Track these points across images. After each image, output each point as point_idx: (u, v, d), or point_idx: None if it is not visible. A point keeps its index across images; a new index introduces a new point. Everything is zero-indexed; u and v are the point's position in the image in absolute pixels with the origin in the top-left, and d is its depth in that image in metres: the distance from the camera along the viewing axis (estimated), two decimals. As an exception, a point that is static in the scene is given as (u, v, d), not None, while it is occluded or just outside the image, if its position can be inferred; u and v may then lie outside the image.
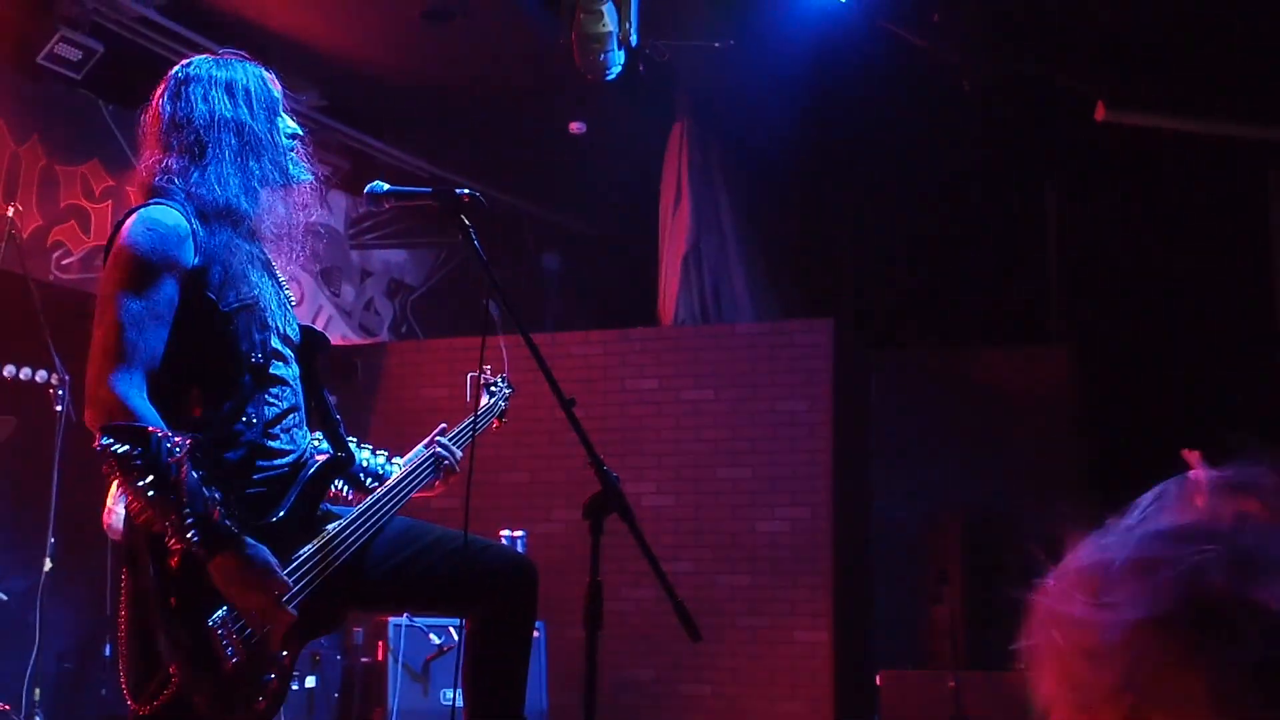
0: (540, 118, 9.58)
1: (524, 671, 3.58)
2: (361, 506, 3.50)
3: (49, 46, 7.39)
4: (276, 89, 3.51)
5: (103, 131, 8.15)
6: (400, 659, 7.29)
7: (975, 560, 8.62)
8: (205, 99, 3.38)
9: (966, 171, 9.79)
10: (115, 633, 7.38)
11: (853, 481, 9.09)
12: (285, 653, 3.24)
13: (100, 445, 3.01)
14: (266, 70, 3.53)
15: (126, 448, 2.98)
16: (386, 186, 3.59)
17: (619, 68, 7.40)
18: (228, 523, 3.06)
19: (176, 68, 3.49)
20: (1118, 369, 9.41)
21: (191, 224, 3.24)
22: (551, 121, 9.57)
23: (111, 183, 8.14)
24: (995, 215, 10.20)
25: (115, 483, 3.04)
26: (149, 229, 3.20)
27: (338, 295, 10.20)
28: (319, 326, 9.69)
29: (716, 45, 8.45)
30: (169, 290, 3.19)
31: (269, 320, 3.36)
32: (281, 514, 3.30)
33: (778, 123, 9.16)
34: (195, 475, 3.02)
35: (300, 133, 3.53)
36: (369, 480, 3.76)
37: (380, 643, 7.37)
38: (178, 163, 3.34)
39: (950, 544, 8.71)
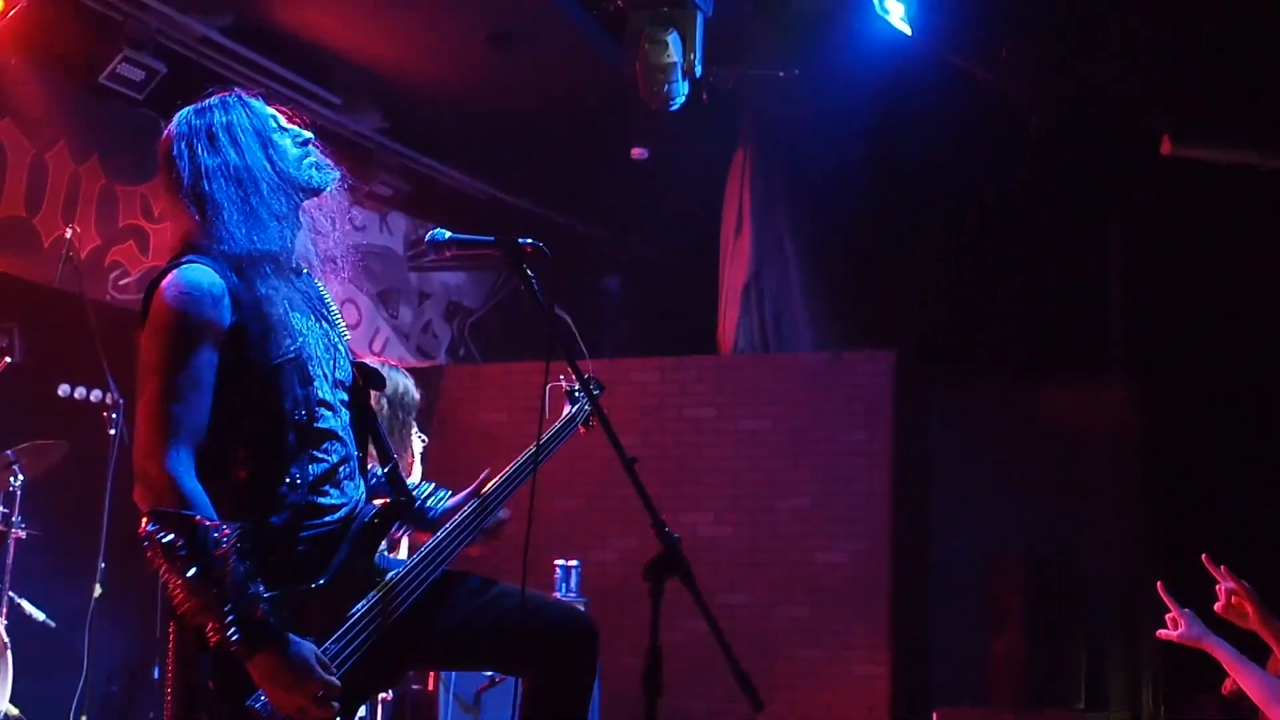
0: (603, 142, 9.53)
1: None
2: (420, 552, 3.40)
3: (111, 66, 7.42)
4: (265, 108, 3.41)
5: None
6: (451, 689, 7.21)
7: (1037, 596, 8.45)
8: (192, 155, 3.27)
9: (1030, 204, 9.64)
10: (163, 655, 7.35)
11: (912, 514, 8.95)
12: (340, 717, 3.15)
13: (145, 531, 2.95)
14: (250, 94, 3.42)
15: (171, 537, 2.91)
16: (448, 234, 3.47)
17: (683, 98, 7.32)
18: (270, 621, 2.96)
19: (172, 123, 3.38)
20: (1182, 403, 9.22)
21: (228, 278, 3.16)
22: (614, 146, 9.52)
23: (171, 203, 8.14)
24: (1059, 247, 10.05)
25: (159, 569, 2.96)
26: (183, 292, 3.10)
27: (395, 317, 10.17)
28: (376, 348, 9.71)
29: (781, 75, 8.37)
30: (208, 355, 3.10)
31: (314, 370, 3.27)
32: (326, 577, 3.20)
33: (841, 152, 9.07)
34: (241, 568, 2.94)
35: (309, 138, 3.42)
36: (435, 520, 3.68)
37: (431, 673, 7.29)
38: (191, 222, 3.26)
39: (1011, 579, 8.54)
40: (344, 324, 3.50)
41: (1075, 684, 8.36)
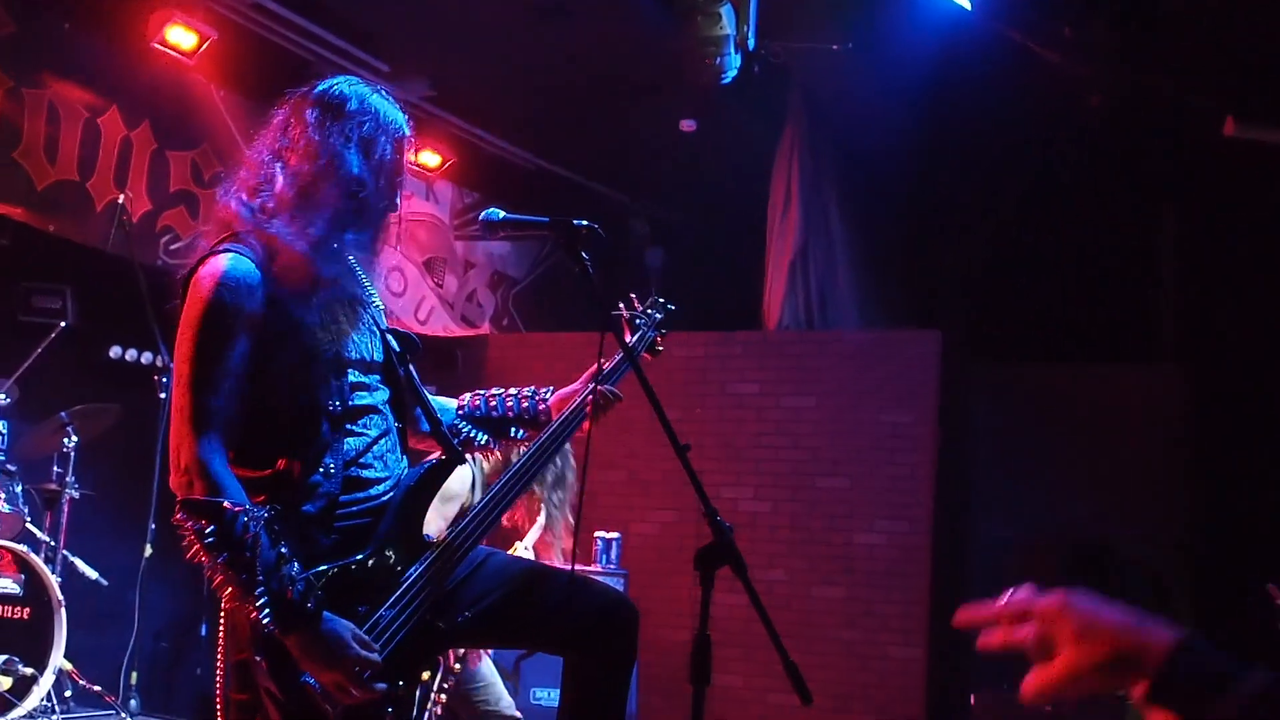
0: (651, 114, 9.49)
1: (622, 712, 3.47)
2: (475, 509, 3.41)
3: (162, 32, 7.44)
4: (406, 159, 3.40)
5: (214, 116, 8.19)
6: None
7: (1076, 582, 8.37)
8: (344, 145, 3.24)
9: (1084, 185, 9.54)
10: (211, 612, 7.45)
11: (953, 497, 8.91)
12: (403, 683, 3.18)
13: (176, 520, 3.04)
14: (410, 128, 3.38)
15: (199, 523, 2.98)
16: (502, 214, 3.44)
17: (734, 72, 7.27)
18: (302, 601, 3.01)
19: (333, 84, 3.34)
20: (1230, 392, 9.11)
21: (263, 269, 3.15)
22: (662, 118, 9.48)
23: (220, 168, 8.18)
24: (1111, 230, 9.94)
25: (195, 554, 3.04)
26: (219, 281, 3.10)
27: (440, 286, 10.18)
28: (420, 317, 9.73)
29: (835, 48, 8.30)
30: (243, 344, 3.11)
31: (349, 354, 3.27)
32: (374, 546, 3.23)
33: (892, 129, 8.99)
34: (272, 551, 2.99)
35: (398, 210, 3.41)
36: (516, 430, 3.70)
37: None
38: (284, 189, 3.22)
39: (1051, 566, 8.48)
40: (379, 299, 3.48)
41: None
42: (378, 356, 3.38)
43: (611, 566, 7.89)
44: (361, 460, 3.26)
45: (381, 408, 3.35)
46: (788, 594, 8.49)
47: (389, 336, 3.43)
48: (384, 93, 3.39)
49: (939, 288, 10.26)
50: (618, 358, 3.70)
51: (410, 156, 3.43)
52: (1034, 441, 9.27)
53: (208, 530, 2.96)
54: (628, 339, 3.81)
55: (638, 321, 3.90)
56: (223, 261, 3.13)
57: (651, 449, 8.67)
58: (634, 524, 8.57)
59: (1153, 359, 9.73)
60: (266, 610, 2.96)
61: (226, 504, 2.98)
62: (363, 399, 3.30)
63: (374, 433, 3.31)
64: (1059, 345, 9.82)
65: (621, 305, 3.85)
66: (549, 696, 7.37)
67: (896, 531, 8.53)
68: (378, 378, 3.37)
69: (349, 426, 3.25)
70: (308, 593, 3.02)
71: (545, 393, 3.73)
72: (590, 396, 3.61)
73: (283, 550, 3.02)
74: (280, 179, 3.23)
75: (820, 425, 8.80)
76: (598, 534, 7.85)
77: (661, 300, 3.99)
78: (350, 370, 3.27)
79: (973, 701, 7.88)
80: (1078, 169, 9.40)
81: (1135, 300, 10.03)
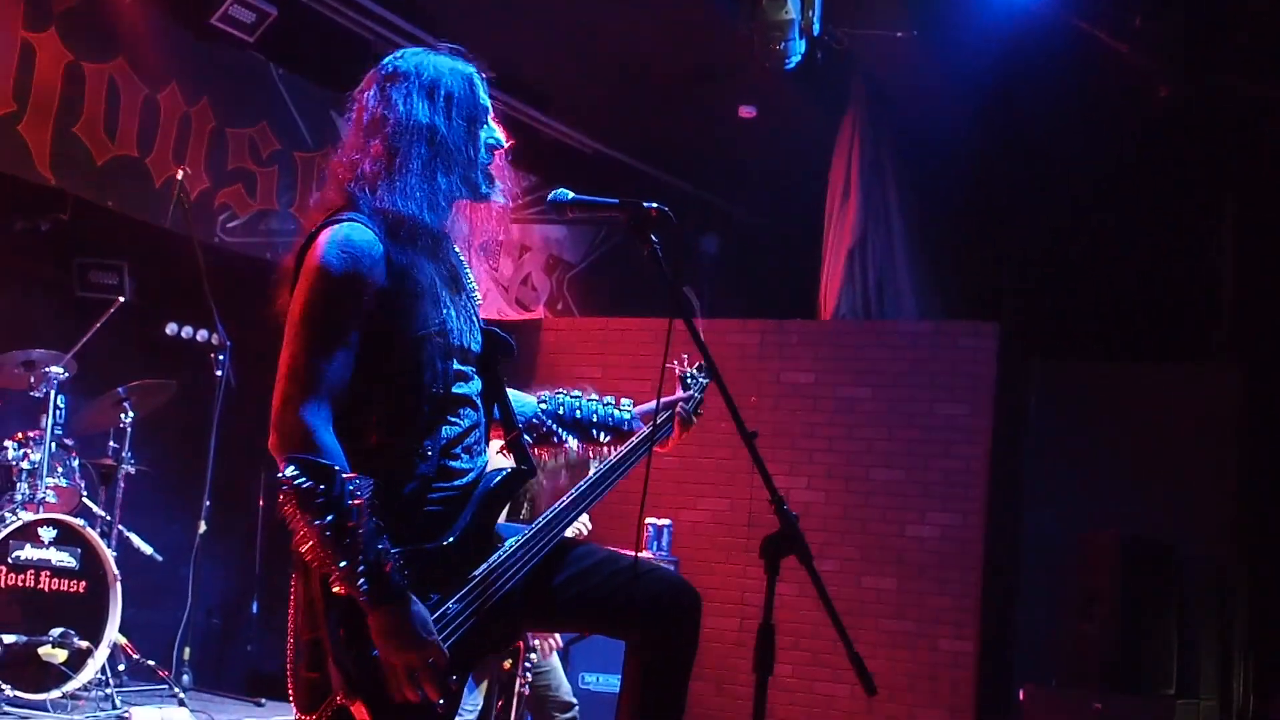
0: (710, 100, 9.44)
1: (683, 700, 3.44)
2: (541, 519, 3.39)
3: (223, 8, 7.47)
4: (484, 95, 3.36)
5: (272, 95, 8.20)
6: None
7: (1128, 581, 8.29)
8: (405, 100, 3.23)
9: (1145, 180, 9.42)
10: (263, 590, 7.49)
11: (1007, 491, 8.83)
12: (455, 677, 3.14)
13: (283, 476, 2.95)
14: (480, 73, 3.38)
15: (310, 483, 2.92)
16: (571, 195, 3.42)
17: (799, 57, 7.21)
18: (397, 576, 2.97)
19: (388, 58, 3.35)
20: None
21: (384, 243, 3.12)
22: (722, 104, 9.42)
23: (278, 146, 8.19)
24: (1170, 227, 9.81)
25: (288, 515, 2.97)
26: (343, 250, 3.07)
27: (496, 269, 10.19)
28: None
29: (899, 35, 8.22)
30: (357, 315, 3.07)
31: (454, 342, 3.24)
32: (454, 537, 3.20)
33: (954, 119, 8.91)
34: (372, 522, 2.95)
35: (503, 144, 3.37)
36: (601, 434, 3.70)
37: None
38: (370, 167, 3.22)
39: (1103, 563, 8.38)
40: (479, 292, 3.46)
41: (1165, 669, 8.21)
42: (475, 347, 3.35)
43: (662, 554, 7.88)
44: (452, 450, 3.24)
45: (475, 399, 3.33)
46: (839, 584, 8.43)
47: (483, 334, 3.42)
48: (443, 50, 3.39)
49: (997, 279, 10.16)
50: (667, 413, 3.78)
51: (490, 118, 3.38)
52: (1088, 437, 9.16)
53: (319, 490, 2.91)
54: (678, 393, 3.89)
55: (688, 380, 3.95)
56: (345, 229, 3.11)
57: (704, 437, 8.62)
58: (685, 511, 8.53)
59: (1210, 357, 9.60)
60: (364, 580, 2.91)
61: (338, 467, 2.95)
62: (460, 388, 3.27)
63: (466, 423, 3.29)
64: (1116, 341, 9.71)
65: (675, 362, 3.91)
66: (598, 681, 7.37)
67: (949, 524, 8.47)
68: (473, 369, 3.35)
69: (446, 415, 3.23)
70: (399, 570, 2.99)
71: (626, 404, 3.77)
72: (676, 412, 3.73)
73: (379, 523, 2.98)
74: (366, 163, 3.22)
75: (875, 416, 8.74)
76: (649, 521, 7.84)
77: (703, 367, 4.00)
78: (454, 357, 3.25)
79: (1021, 695, 7.83)
80: (1140, 163, 9.28)
81: (1193, 297, 9.90)
